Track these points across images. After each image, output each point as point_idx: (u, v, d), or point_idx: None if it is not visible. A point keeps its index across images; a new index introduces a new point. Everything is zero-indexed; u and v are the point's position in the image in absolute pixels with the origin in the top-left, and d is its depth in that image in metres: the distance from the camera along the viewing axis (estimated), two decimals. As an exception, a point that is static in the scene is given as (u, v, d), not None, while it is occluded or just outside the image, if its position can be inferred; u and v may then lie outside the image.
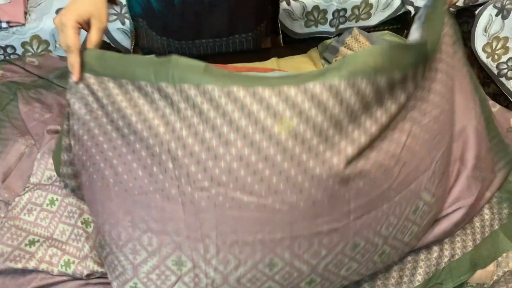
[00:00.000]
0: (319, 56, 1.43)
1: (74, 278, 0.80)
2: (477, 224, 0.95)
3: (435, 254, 0.88)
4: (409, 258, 0.86)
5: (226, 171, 0.66)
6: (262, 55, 1.42)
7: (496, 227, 0.96)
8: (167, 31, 1.31)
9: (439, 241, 0.88)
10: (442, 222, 0.86)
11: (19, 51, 1.59)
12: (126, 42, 1.67)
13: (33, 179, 0.90)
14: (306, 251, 0.71)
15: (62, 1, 1.63)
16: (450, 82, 0.83)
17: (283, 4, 1.73)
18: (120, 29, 1.63)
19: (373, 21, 1.89)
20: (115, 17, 1.63)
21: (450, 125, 0.84)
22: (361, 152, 0.69)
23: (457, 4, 1.79)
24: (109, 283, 0.77)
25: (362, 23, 1.89)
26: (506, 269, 0.94)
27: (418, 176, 0.76)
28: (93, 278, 0.80)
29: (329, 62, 1.40)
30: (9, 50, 1.58)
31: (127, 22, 1.59)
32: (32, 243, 0.81)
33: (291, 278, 0.73)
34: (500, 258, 0.94)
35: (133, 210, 0.71)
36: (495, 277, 0.94)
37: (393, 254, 0.80)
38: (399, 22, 1.87)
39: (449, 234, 0.88)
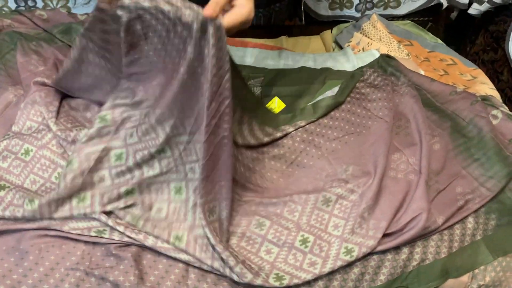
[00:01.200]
0: (331, 39, 1.37)
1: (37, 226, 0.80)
2: (457, 231, 0.89)
3: (403, 256, 0.84)
4: (374, 256, 0.83)
5: None
6: (275, 31, 1.38)
7: (479, 237, 0.91)
8: None
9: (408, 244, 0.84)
10: (408, 226, 0.82)
11: (40, 4, 1.62)
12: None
13: (14, 128, 0.91)
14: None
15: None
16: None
17: (308, -17, 1.67)
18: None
19: (403, 10, 1.81)
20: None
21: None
22: None
23: (495, 0, 1.68)
24: (68, 238, 0.78)
25: (390, 11, 1.81)
26: (481, 283, 0.89)
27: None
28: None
29: (340, 47, 1.35)
30: (30, 2, 1.61)
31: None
32: (2, 187, 0.83)
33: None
34: (477, 270, 0.89)
35: None
36: (468, 289, 0.89)
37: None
38: (430, 14, 1.78)
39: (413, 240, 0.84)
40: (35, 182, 0.85)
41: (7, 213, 0.79)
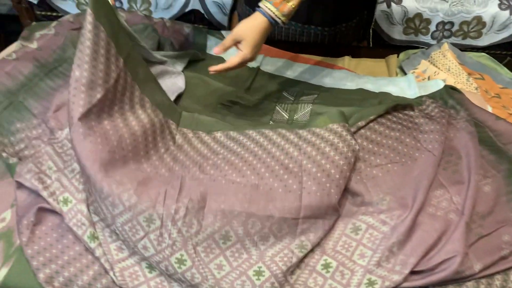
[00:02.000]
0: (396, 64, 1.34)
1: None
2: (497, 282, 0.83)
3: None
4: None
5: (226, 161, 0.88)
6: (340, 51, 1.38)
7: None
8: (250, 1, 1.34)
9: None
10: (440, 267, 0.78)
11: (125, 6, 1.76)
12: (219, 15, 1.75)
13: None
14: (257, 233, 0.79)
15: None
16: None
17: (383, 6, 1.65)
18: (215, 2, 1.70)
19: (484, 41, 1.73)
20: (212, -11, 1.70)
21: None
22: None
23: None
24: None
25: (469, 41, 1.73)
26: None
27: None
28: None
29: (405, 73, 1.31)
30: (117, 4, 1.76)
31: (223, -4, 1.65)
32: (49, 168, 0.91)
33: (240, 259, 0.79)
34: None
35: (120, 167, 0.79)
36: None
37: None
38: (511, 48, 1.67)
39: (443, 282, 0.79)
40: (73, 170, 0.91)
41: (49, 199, 0.87)
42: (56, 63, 1.15)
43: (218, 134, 0.97)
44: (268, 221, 0.80)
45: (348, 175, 0.86)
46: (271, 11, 0.96)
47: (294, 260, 0.80)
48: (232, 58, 0.98)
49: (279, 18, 0.96)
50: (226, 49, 0.99)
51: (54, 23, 1.28)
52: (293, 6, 0.97)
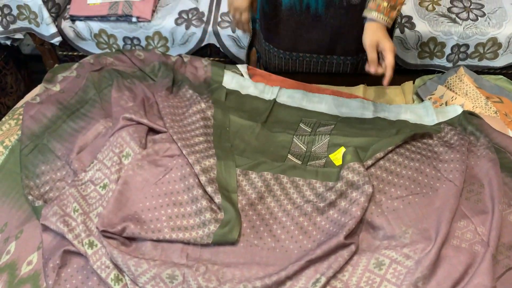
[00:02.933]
0: (412, 90, 1.34)
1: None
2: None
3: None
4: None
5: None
6: (356, 79, 1.38)
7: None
8: (269, 36, 1.36)
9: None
10: None
11: (143, 43, 1.81)
12: (234, 49, 1.78)
13: (99, 156, 1.02)
14: (275, 283, 0.80)
15: (186, 4, 1.80)
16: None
17: (396, 31, 1.66)
18: (230, 36, 1.74)
19: (500, 62, 1.72)
20: (227, 24, 1.74)
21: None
22: None
23: None
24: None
25: (486, 62, 1.72)
26: None
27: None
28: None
29: (421, 99, 1.31)
30: (135, 42, 1.81)
31: (237, 30, 1.69)
32: (75, 210, 0.93)
33: None
34: None
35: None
36: None
37: None
38: (529, 68, 1.66)
39: None
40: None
41: (74, 242, 0.89)
42: (78, 105, 1.18)
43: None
44: (284, 271, 0.82)
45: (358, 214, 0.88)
46: (380, 17, 1.05)
47: None
48: (388, 59, 1.03)
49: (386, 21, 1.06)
50: (376, 62, 1.06)
51: (75, 65, 1.32)
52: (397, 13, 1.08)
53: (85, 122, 1.13)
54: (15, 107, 1.29)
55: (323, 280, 0.80)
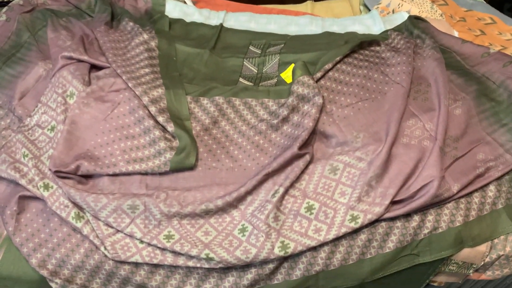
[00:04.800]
0: (359, 2, 1.32)
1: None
2: (476, 200, 0.86)
3: (413, 224, 0.82)
4: (383, 223, 0.82)
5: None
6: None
7: (500, 206, 0.87)
8: None
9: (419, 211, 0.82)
10: (419, 194, 0.80)
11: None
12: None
13: (42, 99, 0.98)
14: (235, 199, 0.82)
15: None
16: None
17: None
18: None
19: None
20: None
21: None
22: None
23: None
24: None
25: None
26: (501, 253, 0.85)
27: None
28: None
29: (369, 10, 1.29)
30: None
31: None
32: (24, 155, 0.90)
33: (224, 223, 0.81)
34: (496, 240, 0.86)
35: None
36: (487, 259, 0.86)
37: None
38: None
39: (424, 207, 0.82)
40: None
41: (29, 187, 0.86)
42: (13, 49, 1.11)
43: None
44: (243, 187, 0.83)
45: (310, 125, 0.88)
46: None
47: (269, 206, 0.81)
48: None
49: None
50: None
51: (4, 9, 1.23)
52: None
53: (23, 67, 1.07)
54: None
55: (281, 190, 0.82)
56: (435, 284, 0.92)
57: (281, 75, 1.06)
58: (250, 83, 1.06)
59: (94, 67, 1.04)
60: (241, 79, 1.08)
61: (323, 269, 0.81)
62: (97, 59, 1.04)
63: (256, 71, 1.09)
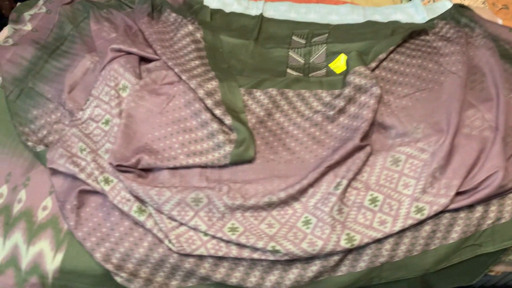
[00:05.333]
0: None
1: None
2: (538, 189, 0.86)
3: (477, 214, 0.82)
4: (447, 214, 0.82)
5: None
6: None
7: (562, 195, 0.86)
8: None
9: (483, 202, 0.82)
10: (483, 185, 0.80)
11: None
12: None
13: (94, 92, 0.97)
14: (298, 192, 0.83)
15: None
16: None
17: None
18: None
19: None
20: None
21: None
22: None
23: None
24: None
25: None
26: None
27: None
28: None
29: (409, -1, 1.28)
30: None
31: None
32: (82, 150, 0.89)
33: (287, 215, 0.82)
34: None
35: None
36: (551, 250, 0.86)
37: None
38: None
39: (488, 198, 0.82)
40: (108, 151, 0.91)
41: (88, 180, 0.86)
42: (57, 42, 1.10)
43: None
44: (305, 179, 0.83)
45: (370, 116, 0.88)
46: None
47: (333, 199, 0.81)
48: None
49: None
50: None
51: (42, 1, 1.22)
52: None
53: (69, 60, 1.06)
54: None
55: (344, 182, 0.82)
56: (492, 273, 0.92)
57: (329, 65, 1.05)
58: (300, 74, 1.06)
59: (143, 59, 1.03)
60: (288, 70, 1.07)
61: (387, 261, 0.81)
62: (144, 51, 1.03)
63: (303, 62, 1.08)
